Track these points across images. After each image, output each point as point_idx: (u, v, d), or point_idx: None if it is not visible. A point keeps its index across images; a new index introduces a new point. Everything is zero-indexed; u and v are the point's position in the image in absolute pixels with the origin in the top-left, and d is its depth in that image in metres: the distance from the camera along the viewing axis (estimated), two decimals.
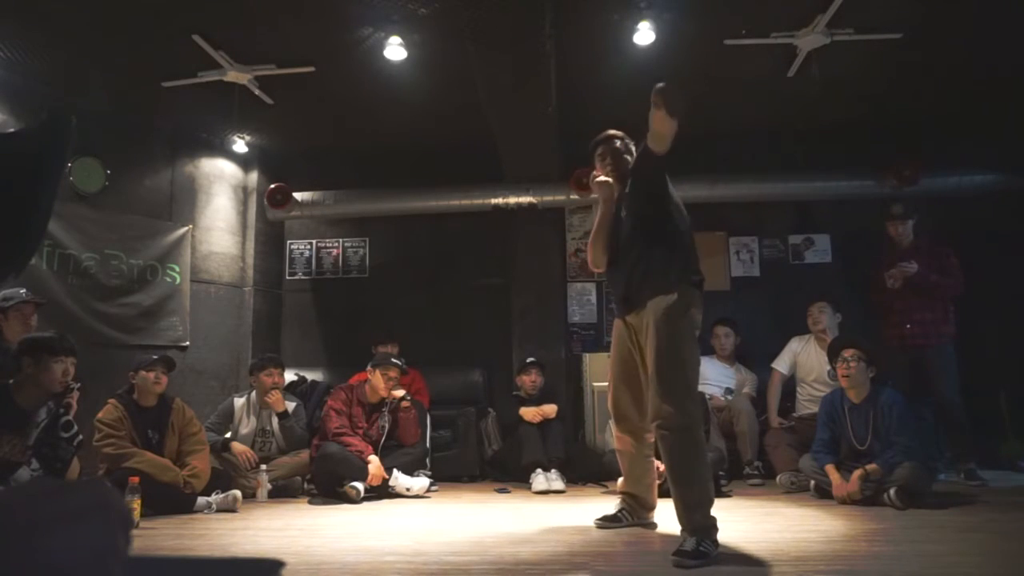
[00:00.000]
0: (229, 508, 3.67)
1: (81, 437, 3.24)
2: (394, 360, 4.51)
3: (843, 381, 3.76)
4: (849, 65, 4.60)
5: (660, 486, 3.85)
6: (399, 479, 4.17)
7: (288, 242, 6.40)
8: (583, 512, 3.35)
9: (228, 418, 4.53)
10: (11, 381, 3.10)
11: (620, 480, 3.15)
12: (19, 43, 4.28)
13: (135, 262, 5.20)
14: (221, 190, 5.95)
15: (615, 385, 2.98)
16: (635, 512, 3.07)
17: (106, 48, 4.40)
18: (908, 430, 3.55)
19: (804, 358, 4.75)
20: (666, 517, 3.04)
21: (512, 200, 5.69)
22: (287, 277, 6.37)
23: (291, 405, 4.56)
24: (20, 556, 0.46)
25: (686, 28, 4.25)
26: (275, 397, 4.46)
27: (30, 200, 0.91)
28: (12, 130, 4.13)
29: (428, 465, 4.62)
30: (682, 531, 2.50)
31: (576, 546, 2.65)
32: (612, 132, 3.05)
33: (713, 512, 2.51)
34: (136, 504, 3.17)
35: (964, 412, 4.33)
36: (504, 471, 4.89)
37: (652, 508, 3.10)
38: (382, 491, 4.14)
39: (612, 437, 3.20)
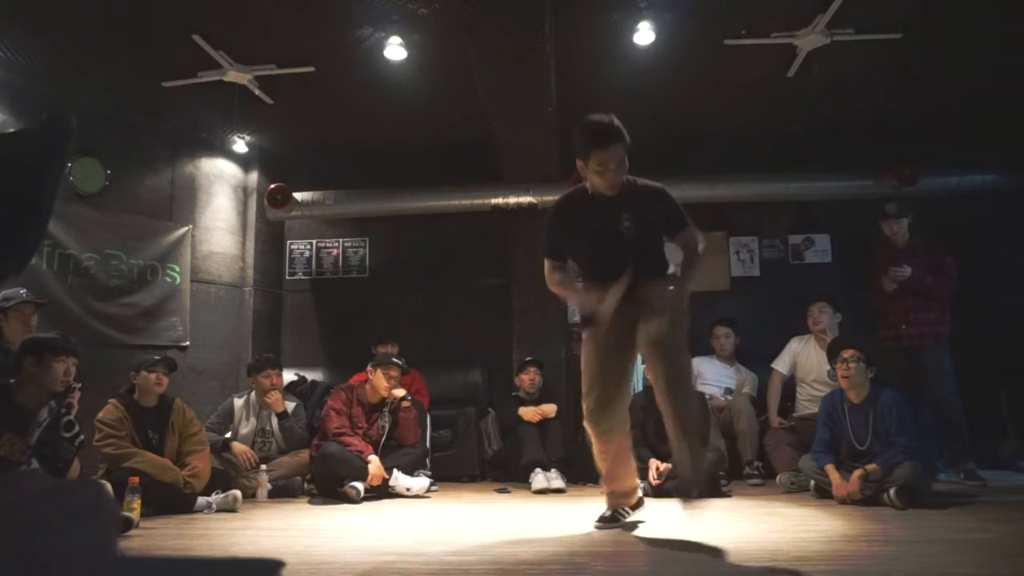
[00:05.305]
0: (229, 508, 3.67)
1: (83, 437, 3.25)
2: (395, 360, 4.51)
3: (843, 382, 3.75)
4: (849, 65, 4.60)
5: (659, 486, 3.84)
6: (399, 479, 4.17)
7: (288, 242, 6.40)
8: (583, 512, 3.34)
9: (228, 418, 4.54)
10: (12, 380, 3.10)
11: (603, 483, 3.07)
12: (19, 43, 4.28)
13: (135, 262, 5.20)
14: (221, 190, 5.95)
15: (602, 382, 2.86)
16: (622, 502, 3.03)
17: (106, 48, 4.40)
18: (908, 430, 3.55)
19: (804, 358, 4.75)
20: (663, 516, 3.05)
21: (512, 200, 5.68)
22: (287, 277, 6.37)
23: (291, 405, 4.57)
24: (16, 556, 0.46)
25: (686, 28, 4.26)
26: (275, 397, 4.46)
27: (30, 200, 0.91)
28: (12, 130, 4.13)
29: (428, 465, 4.62)
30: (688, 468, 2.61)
31: (576, 546, 2.64)
32: (617, 126, 2.63)
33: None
34: (136, 504, 3.17)
35: (961, 413, 4.31)
36: (504, 471, 4.89)
37: (634, 491, 3.08)
38: (382, 491, 4.14)
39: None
